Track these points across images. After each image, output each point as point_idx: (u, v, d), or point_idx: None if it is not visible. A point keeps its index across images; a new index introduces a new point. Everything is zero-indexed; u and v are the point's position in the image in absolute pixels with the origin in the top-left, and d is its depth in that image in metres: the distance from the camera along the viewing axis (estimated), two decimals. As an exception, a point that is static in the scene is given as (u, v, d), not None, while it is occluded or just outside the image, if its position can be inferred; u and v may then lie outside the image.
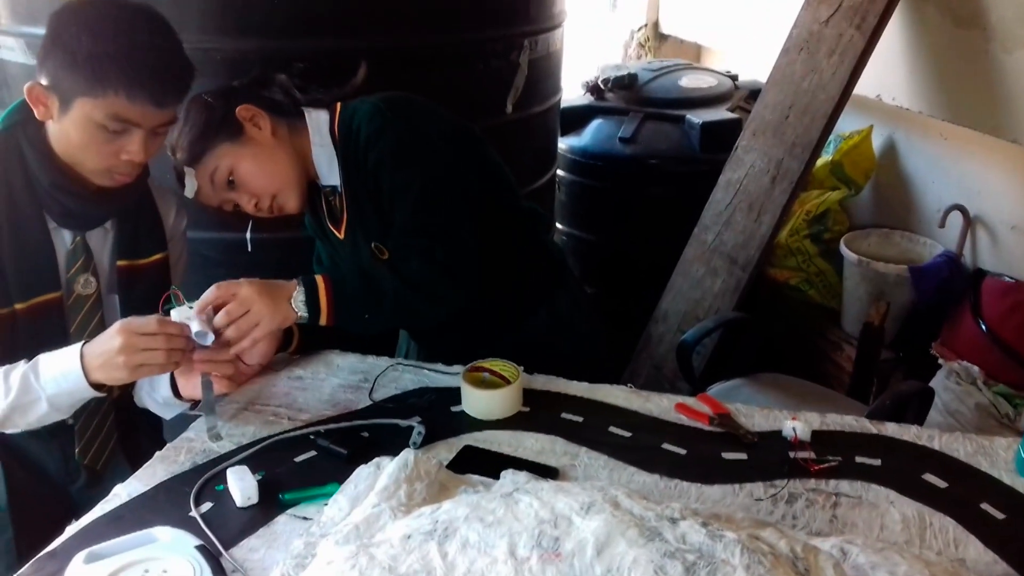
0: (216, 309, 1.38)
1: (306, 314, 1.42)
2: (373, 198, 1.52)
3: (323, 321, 1.44)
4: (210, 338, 1.36)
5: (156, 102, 1.30)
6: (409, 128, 1.50)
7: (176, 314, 1.35)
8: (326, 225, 1.65)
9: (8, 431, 1.39)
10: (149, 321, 1.30)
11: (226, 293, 1.37)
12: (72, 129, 1.30)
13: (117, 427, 1.56)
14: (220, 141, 1.46)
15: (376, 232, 1.56)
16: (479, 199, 1.59)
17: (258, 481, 1.28)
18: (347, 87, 1.59)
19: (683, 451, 1.39)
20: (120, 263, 1.48)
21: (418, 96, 1.58)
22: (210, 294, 1.37)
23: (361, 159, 1.49)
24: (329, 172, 1.55)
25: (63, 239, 1.43)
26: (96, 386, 1.32)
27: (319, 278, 1.44)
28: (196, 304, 1.37)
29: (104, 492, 1.30)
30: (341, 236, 1.62)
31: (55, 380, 1.32)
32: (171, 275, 1.57)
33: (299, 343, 1.64)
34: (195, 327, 1.35)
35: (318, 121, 1.54)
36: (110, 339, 1.29)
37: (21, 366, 1.33)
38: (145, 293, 1.48)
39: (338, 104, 1.56)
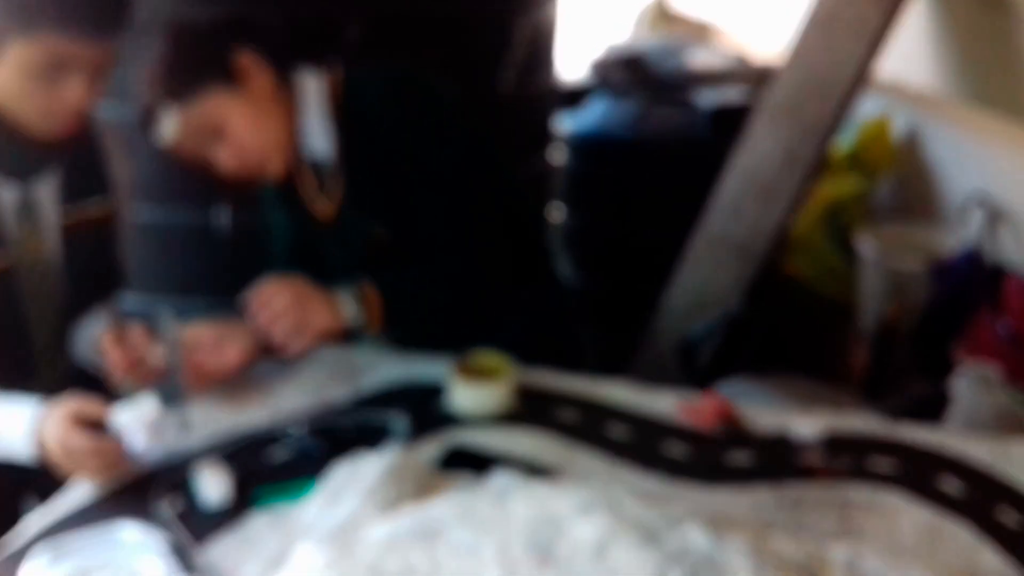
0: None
1: (356, 316, 1.45)
2: (389, 182, 1.51)
3: (373, 325, 1.46)
4: (155, 451, 1.32)
5: (94, 35, 1.28)
6: (438, 111, 1.51)
7: (123, 417, 1.29)
8: (307, 199, 1.62)
9: None
10: (83, 443, 1.26)
11: (277, 286, 1.40)
12: (8, 78, 1.28)
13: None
14: (214, 84, 1.42)
15: (382, 213, 1.55)
16: (496, 185, 1.61)
17: (232, 477, 1.28)
18: (342, 52, 1.56)
19: (685, 452, 1.40)
20: (66, 216, 1.44)
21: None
22: (264, 291, 1.39)
23: (382, 139, 1.48)
24: (320, 142, 1.52)
25: (9, 195, 1.39)
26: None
27: (362, 284, 1.46)
28: (127, 409, 1.31)
29: None
30: (330, 213, 1.59)
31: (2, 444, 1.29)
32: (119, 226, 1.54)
33: None
34: (139, 444, 1.29)
35: (311, 87, 1.51)
36: (54, 446, 1.26)
37: None
38: (91, 250, 1.47)
39: (336, 70, 1.53)
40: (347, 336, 1.56)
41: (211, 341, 1.48)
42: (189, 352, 1.44)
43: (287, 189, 1.62)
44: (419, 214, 1.51)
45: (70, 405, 1.29)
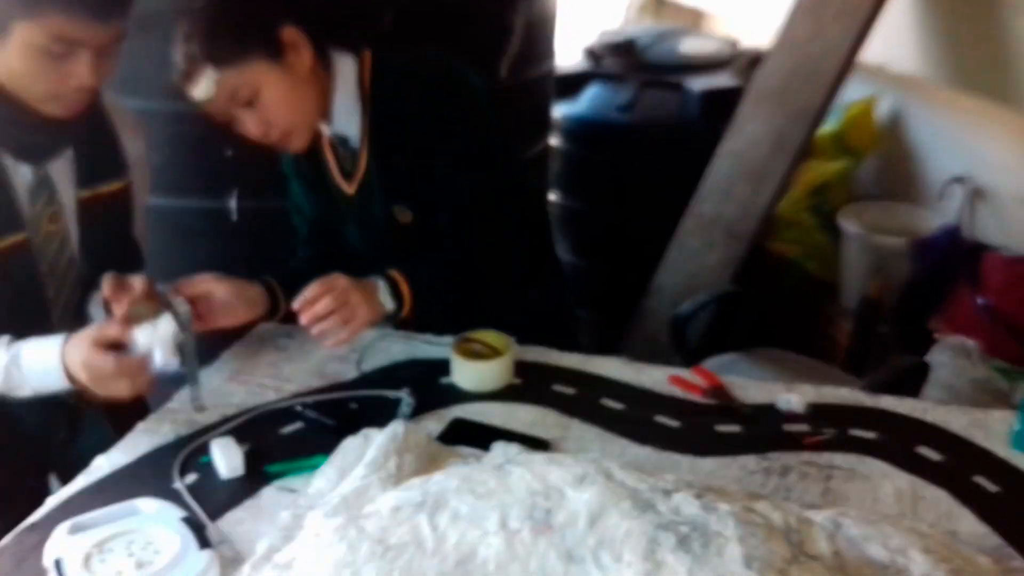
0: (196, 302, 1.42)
1: (393, 307, 1.47)
2: (414, 161, 1.53)
3: (404, 312, 1.49)
4: (173, 365, 1.34)
5: (98, 17, 1.26)
6: (464, 98, 1.53)
7: (141, 336, 1.32)
8: (330, 177, 1.63)
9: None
10: (106, 364, 1.29)
11: (323, 288, 1.41)
12: (14, 57, 1.26)
13: None
14: (258, 56, 1.41)
15: (406, 194, 1.57)
16: (513, 173, 1.64)
17: (244, 453, 1.30)
18: (373, 35, 1.57)
19: (676, 423, 1.42)
20: (81, 195, 1.45)
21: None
22: (310, 291, 1.40)
23: (408, 122, 1.50)
24: (347, 122, 1.54)
25: (23, 175, 1.39)
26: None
27: (395, 273, 1.48)
28: (148, 328, 1.32)
29: (81, 446, 1.32)
30: (352, 191, 1.61)
31: (37, 376, 1.33)
32: (134, 204, 1.54)
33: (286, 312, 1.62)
34: (158, 359, 1.32)
35: (343, 63, 1.52)
36: (79, 369, 1.29)
37: (1, 351, 1.34)
38: (106, 228, 1.47)
39: (367, 53, 1.54)
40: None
41: (225, 296, 1.49)
42: (202, 302, 1.46)
43: (312, 165, 1.63)
44: (440, 197, 1.54)
45: (91, 330, 1.32)
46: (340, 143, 1.57)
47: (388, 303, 1.47)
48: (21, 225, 1.39)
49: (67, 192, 1.44)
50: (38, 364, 1.33)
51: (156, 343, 1.32)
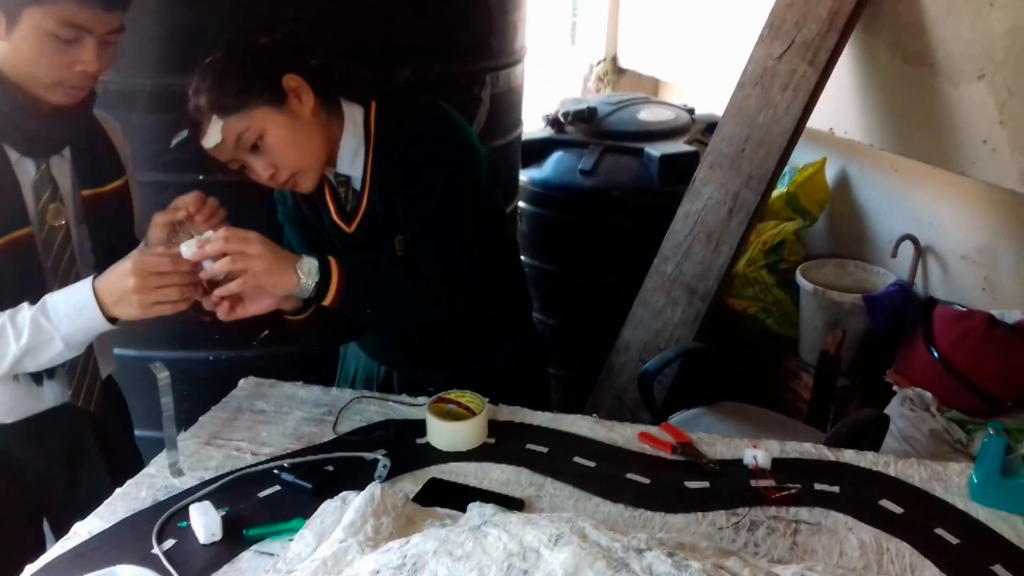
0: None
1: (311, 281, 1.41)
2: (409, 196, 1.54)
3: (328, 299, 1.43)
4: (214, 272, 1.35)
5: (105, 6, 1.30)
6: (468, 141, 1.56)
7: (186, 249, 1.33)
8: (327, 216, 1.63)
9: (15, 373, 1.38)
10: (163, 261, 1.31)
11: (234, 243, 1.36)
12: (23, 43, 1.30)
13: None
14: (261, 103, 1.43)
15: (402, 229, 1.58)
16: (491, 218, 1.65)
17: (222, 517, 1.28)
18: (388, 86, 1.59)
19: (647, 480, 1.41)
20: (85, 193, 1.47)
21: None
22: (218, 244, 1.35)
23: (411, 158, 1.51)
24: (351, 163, 1.55)
25: (27, 171, 1.41)
26: (111, 319, 1.33)
27: (331, 259, 1.45)
28: (194, 243, 1.34)
29: (80, 495, 1.28)
30: (350, 229, 1.61)
31: (69, 318, 1.32)
32: (132, 201, 1.56)
33: (312, 315, 1.55)
34: (207, 265, 1.34)
35: (353, 112, 1.55)
36: (124, 277, 1.30)
37: (26, 309, 1.33)
38: (112, 222, 1.48)
39: (372, 102, 1.57)
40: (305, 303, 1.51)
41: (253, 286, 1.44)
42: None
43: (311, 209, 1.64)
44: (423, 229, 1.54)
45: (135, 251, 1.34)
46: (342, 184, 1.58)
47: (306, 276, 1.40)
48: (27, 220, 1.40)
49: (68, 190, 1.45)
50: (69, 303, 1.33)
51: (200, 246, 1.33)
